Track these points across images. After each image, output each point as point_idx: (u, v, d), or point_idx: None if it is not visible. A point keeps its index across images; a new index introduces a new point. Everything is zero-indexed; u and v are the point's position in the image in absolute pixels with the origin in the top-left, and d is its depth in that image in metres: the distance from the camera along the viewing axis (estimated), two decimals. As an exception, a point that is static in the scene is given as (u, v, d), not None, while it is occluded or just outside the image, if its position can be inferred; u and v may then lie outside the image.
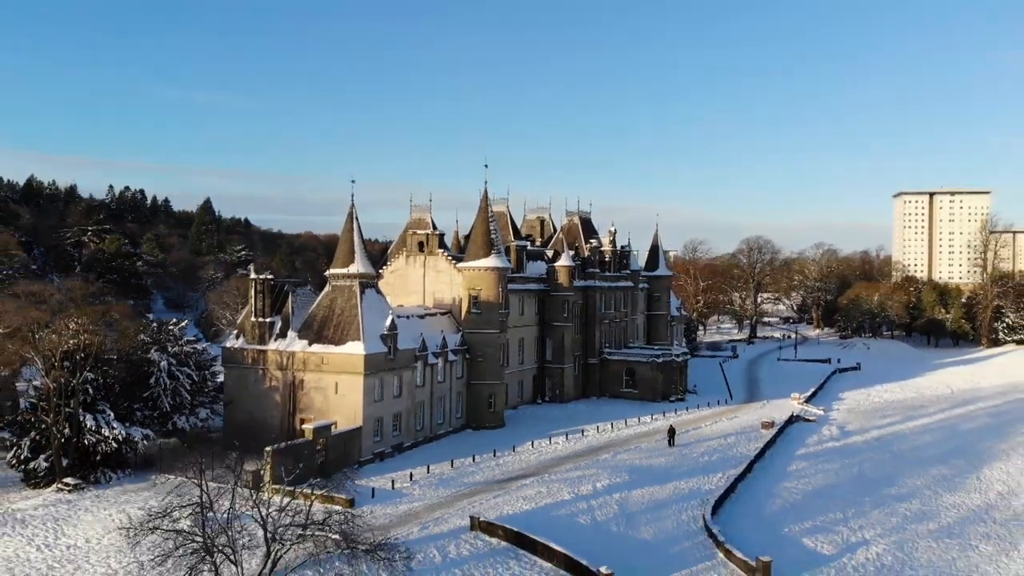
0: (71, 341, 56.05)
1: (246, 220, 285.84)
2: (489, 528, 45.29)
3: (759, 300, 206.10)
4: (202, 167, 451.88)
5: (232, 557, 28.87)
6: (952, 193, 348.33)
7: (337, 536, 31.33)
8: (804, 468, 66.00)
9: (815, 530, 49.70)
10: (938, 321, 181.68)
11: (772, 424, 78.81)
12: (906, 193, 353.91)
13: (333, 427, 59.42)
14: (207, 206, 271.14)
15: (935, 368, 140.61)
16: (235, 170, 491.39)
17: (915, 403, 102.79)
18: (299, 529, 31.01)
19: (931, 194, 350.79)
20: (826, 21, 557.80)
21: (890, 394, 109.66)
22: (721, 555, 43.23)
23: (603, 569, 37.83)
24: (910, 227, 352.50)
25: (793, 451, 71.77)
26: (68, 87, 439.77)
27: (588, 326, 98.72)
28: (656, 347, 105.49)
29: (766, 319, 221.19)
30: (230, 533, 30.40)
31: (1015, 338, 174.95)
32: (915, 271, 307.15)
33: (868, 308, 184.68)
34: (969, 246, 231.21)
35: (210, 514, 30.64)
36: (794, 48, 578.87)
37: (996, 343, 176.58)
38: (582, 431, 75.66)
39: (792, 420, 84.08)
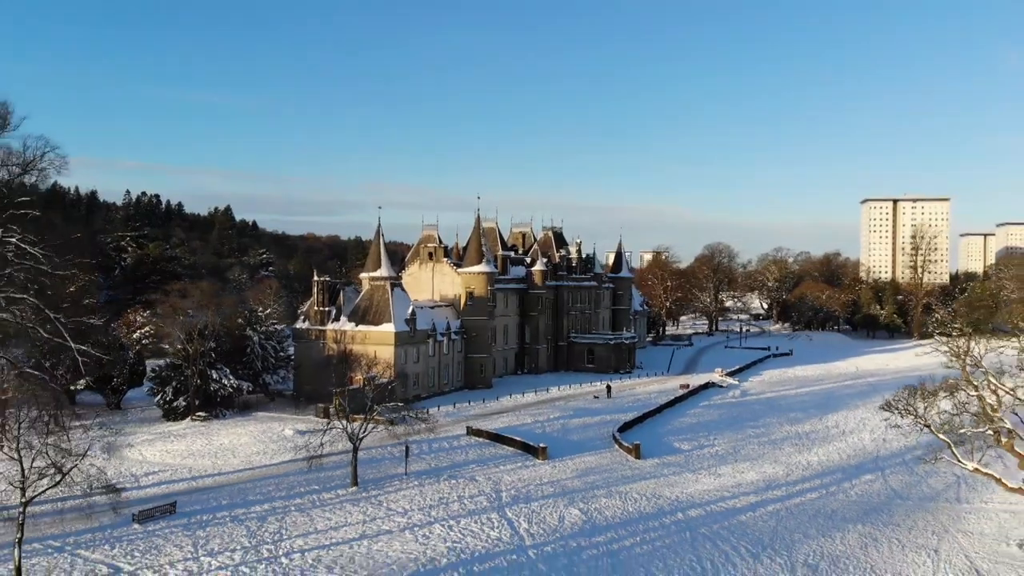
0: (201, 322, 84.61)
1: (254, 223, 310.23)
2: (477, 432, 74.24)
3: (721, 299, 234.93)
4: (197, 167, 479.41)
5: (348, 418, 57.38)
6: (914, 200, 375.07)
7: (400, 404, 60.22)
8: (699, 412, 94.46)
9: (683, 439, 78.23)
10: (873, 316, 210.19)
11: (688, 386, 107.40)
12: (872, 199, 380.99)
13: (375, 379, 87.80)
14: (227, 212, 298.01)
15: (859, 354, 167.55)
16: (231, 171, 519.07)
17: (818, 378, 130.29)
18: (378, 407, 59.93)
19: (895, 201, 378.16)
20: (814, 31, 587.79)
21: (803, 372, 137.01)
22: (616, 446, 71.92)
23: (541, 444, 66.64)
24: (875, 231, 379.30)
25: (697, 403, 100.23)
26: (64, 86, 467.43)
27: (558, 316, 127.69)
28: (611, 334, 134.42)
29: (738, 316, 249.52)
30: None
31: (945, 331, 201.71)
32: (880, 273, 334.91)
33: (812, 305, 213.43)
34: (902, 250, 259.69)
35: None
36: (781, 53, 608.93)
37: (926, 336, 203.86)
38: (547, 389, 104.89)
39: (707, 385, 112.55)
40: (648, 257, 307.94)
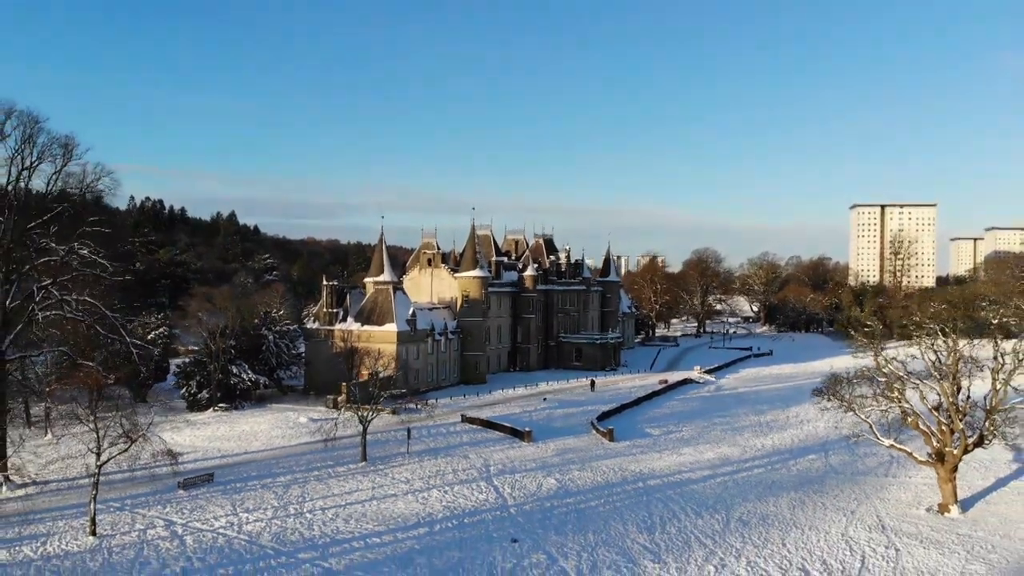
0: (223, 322, 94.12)
1: (255, 227, 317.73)
2: (471, 420, 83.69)
3: (710, 302, 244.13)
4: (196, 171, 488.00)
5: (359, 407, 66.76)
6: (901, 206, 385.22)
7: (404, 390, 69.59)
8: (673, 404, 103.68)
9: (655, 426, 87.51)
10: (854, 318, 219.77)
11: (666, 382, 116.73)
12: (860, 205, 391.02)
13: (379, 374, 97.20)
14: (231, 218, 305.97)
15: (836, 354, 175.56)
16: (229, 175, 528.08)
17: (791, 375, 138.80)
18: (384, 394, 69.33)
19: (883, 206, 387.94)
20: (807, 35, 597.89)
21: (779, 370, 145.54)
22: (593, 431, 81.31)
23: (527, 428, 76.05)
24: (864, 236, 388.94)
25: (673, 397, 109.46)
26: (63, 88, 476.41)
27: (548, 318, 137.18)
28: (597, 334, 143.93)
29: (727, 318, 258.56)
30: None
31: (924, 332, 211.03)
32: (868, 277, 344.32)
33: (795, 307, 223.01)
34: (883, 255, 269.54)
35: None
36: (775, 59, 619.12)
37: (907, 337, 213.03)
38: (537, 384, 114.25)
39: (685, 381, 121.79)
40: (644, 261, 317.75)
